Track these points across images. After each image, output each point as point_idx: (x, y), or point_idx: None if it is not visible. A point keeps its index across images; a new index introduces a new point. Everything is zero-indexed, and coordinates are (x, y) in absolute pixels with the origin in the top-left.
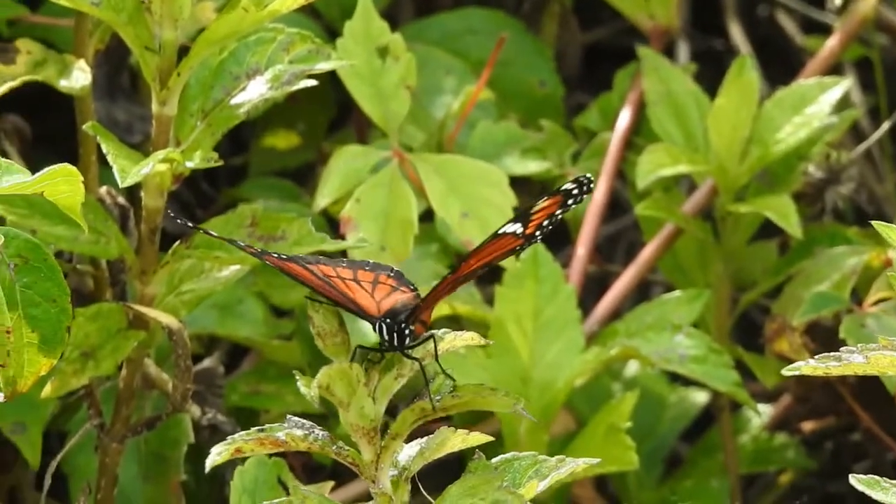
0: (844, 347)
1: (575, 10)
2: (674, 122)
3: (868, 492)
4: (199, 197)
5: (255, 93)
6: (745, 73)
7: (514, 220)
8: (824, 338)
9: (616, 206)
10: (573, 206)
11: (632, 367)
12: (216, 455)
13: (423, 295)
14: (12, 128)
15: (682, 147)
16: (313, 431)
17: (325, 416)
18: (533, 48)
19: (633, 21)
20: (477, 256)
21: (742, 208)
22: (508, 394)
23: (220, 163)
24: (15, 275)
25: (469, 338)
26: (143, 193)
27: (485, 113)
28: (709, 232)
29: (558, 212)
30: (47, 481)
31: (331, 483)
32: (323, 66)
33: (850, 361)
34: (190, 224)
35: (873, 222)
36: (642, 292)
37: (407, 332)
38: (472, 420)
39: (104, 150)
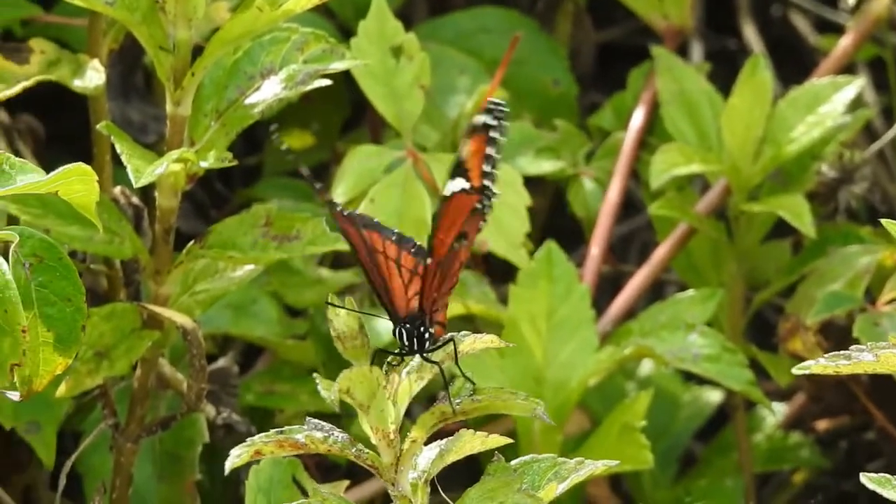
0: (854, 346)
1: (589, 10)
2: (687, 121)
3: (879, 490)
4: (213, 197)
5: (269, 92)
6: (758, 73)
7: (453, 177)
8: (838, 337)
9: (630, 206)
10: (501, 138)
11: (646, 367)
12: (235, 457)
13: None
14: (26, 127)
15: (696, 146)
16: (333, 433)
17: (338, 415)
18: (547, 47)
19: (647, 21)
20: (442, 229)
21: (755, 208)
22: (528, 397)
23: (235, 163)
24: (30, 274)
25: (488, 340)
26: (157, 193)
27: None
28: (722, 231)
29: (490, 150)
30: (62, 481)
31: (346, 482)
32: (337, 66)
33: (861, 360)
34: None
35: (885, 221)
36: (656, 292)
37: (427, 335)
38: (485, 419)
39: (118, 150)
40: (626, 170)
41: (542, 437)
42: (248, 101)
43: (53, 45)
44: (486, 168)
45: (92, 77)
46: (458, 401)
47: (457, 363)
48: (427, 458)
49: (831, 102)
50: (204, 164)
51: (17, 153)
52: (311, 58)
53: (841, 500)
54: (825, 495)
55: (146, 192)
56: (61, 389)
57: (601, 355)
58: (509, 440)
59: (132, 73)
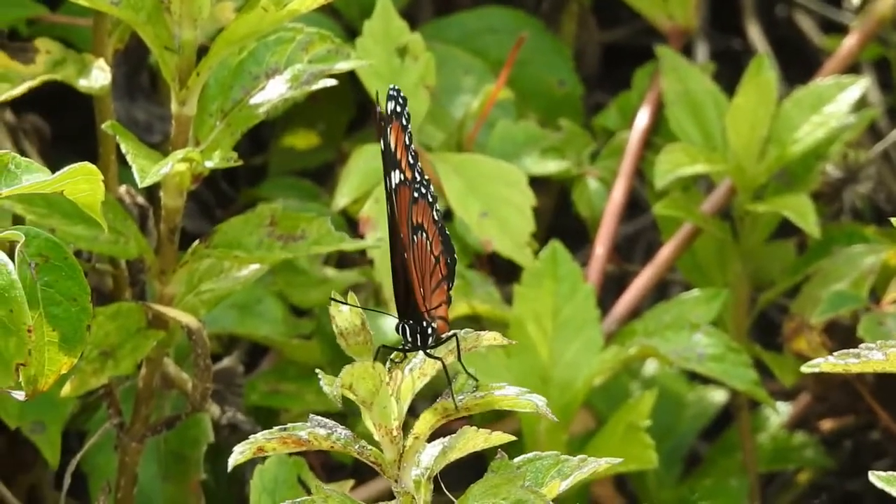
0: (863, 344)
1: (593, 10)
2: (692, 121)
3: (888, 489)
4: (218, 197)
5: (274, 92)
6: (763, 73)
7: (393, 169)
8: (843, 336)
9: (635, 206)
10: (409, 122)
11: (650, 366)
12: (238, 454)
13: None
14: (31, 127)
15: (701, 146)
16: (336, 430)
17: (343, 414)
18: (552, 47)
19: (652, 21)
20: (404, 225)
21: (760, 207)
22: (531, 393)
23: (240, 162)
24: (36, 274)
25: (492, 338)
26: (162, 193)
27: (504, 112)
28: (727, 231)
29: (407, 140)
30: (67, 480)
31: (351, 481)
32: (342, 66)
33: (870, 358)
34: None
35: (892, 219)
36: (661, 291)
37: (429, 331)
38: (491, 418)
39: (123, 150)
40: (630, 170)
41: (547, 437)
42: (253, 101)
43: (59, 44)
44: (410, 158)
45: (97, 77)
46: (460, 397)
47: (460, 360)
48: (430, 455)
49: (836, 102)
50: (209, 164)
51: (23, 153)
52: (316, 58)
53: (846, 499)
54: (830, 495)
55: (151, 192)
56: (66, 389)
57: (606, 355)
58: (512, 437)
59: (137, 72)
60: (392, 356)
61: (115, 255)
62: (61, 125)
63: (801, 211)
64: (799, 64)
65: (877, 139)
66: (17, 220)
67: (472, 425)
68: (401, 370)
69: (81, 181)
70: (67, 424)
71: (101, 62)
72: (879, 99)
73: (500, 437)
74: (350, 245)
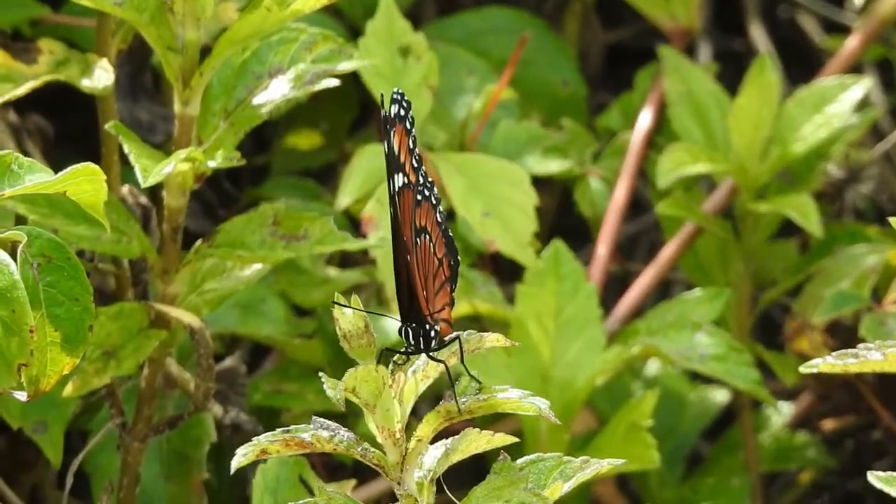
0: (862, 344)
1: (596, 11)
2: (694, 121)
3: (887, 489)
4: (221, 196)
5: (277, 92)
6: (765, 73)
7: (396, 172)
8: (844, 336)
9: (637, 206)
10: (412, 126)
11: (652, 366)
12: (241, 456)
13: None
14: (35, 127)
15: (703, 146)
16: (339, 433)
17: (344, 415)
18: (555, 47)
19: (655, 21)
20: (406, 227)
21: (762, 207)
22: (534, 396)
23: (243, 162)
24: (38, 274)
25: (495, 339)
26: (165, 193)
27: (507, 112)
28: (729, 231)
29: (411, 143)
30: (69, 480)
31: (353, 482)
32: (345, 66)
33: (868, 358)
34: None
35: (892, 220)
36: (663, 291)
37: (432, 333)
38: (491, 418)
39: (126, 150)
40: (633, 169)
41: (548, 437)
42: (256, 100)
43: (62, 45)
44: (413, 160)
45: (100, 77)
46: (463, 399)
47: (462, 362)
48: (433, 457)
49: (838, 102)
50: (212, 164)
51: (26, 153)
52: (320, 58)
53: (847, 499)
54: (831, 495)
55: (154, 192)
56: (68, 389)
57: (608, 354)
58: (515, 439)
59: (141, 73)
60: (395, 358)
61: (117, 254)
62: (64, 125)
63: (804, 210)
64: (801, 64)
65: (879, 139)
66: (20, 221)
67: (473, 426)
68: (404, 373)
69: (84, 181)
70: (70, 424)
71: (104, 62)
72: (882, 99)
73: (502, 439)
74: (353, 245)
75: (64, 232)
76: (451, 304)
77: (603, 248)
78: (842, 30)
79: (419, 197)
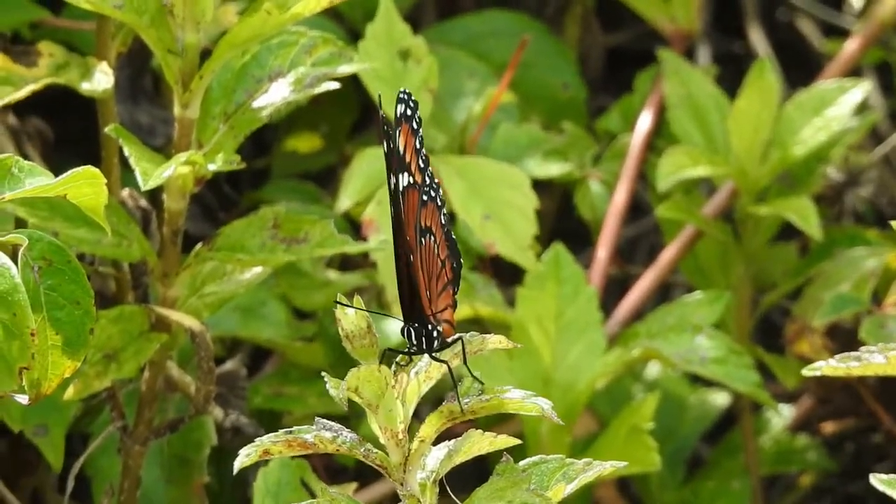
0: (865, 347)
1: (596, 14)
2: (694, 124)
3: (889, 492)
4: (221, 199)
5: (277, 95)
6: (765, 76)
7: (400, 171)
8: (844, 339)
9: (637, 209)
10: (420, 126)
11: (653, 369)
12: (244, 457)
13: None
14: (34, 130)
15: (703, 149)
16: (341, 434)
17: (346, 417)
18: (555, 50)
19: (654, 24)
20: (410, 227)
21: (762, 210)
22: (537, 397)
23: (243, 165)
24: (39, 277)
25: (497, 341)
26: (165, 196)
27: (507, 115)
28: (729, 234)
29: (417, 143)
30: (70, 483)
31: (354, 484)
32: (345, 69)
33: (871, 361)
34: None
35: (893, 222)
36: (663, 294)
37: (435, 334)
38: (492, 421)
39: (126, 153)
40: (633, 172)
41: (550, 440)
42: (256, 104)
43: (62, 48)
44: (420, 162)
45: (100, 80)
46: (466, 400)
47: (465, 363)
48: (436, 458)
49: (838, 105)
50: (212, 167)
51: (26, 156)
52: (320, 61)
53: (848, 502)
54: (832, 497)
55: (154, 195)
56: (69, 392)
57: (609, 357)
58: (517, 441)
59: (140, 76)
60: (397, 359)
61: (117, 258)
62: (64, 128)
63: (803, 213)
64: (800, 67)
65: (878, 142)
66: (20, 224)
67: (476, 428)
68: (406, 373)
69: (84, 184)
70: (70, 427)
71: (104, 65)
72: (881, 102)
73: (505, 441)
74: (353, 248)
75: (64, 235)
76: (454, 305)
77: (603, 251)
78: (841, 33)
79: (424, 197)
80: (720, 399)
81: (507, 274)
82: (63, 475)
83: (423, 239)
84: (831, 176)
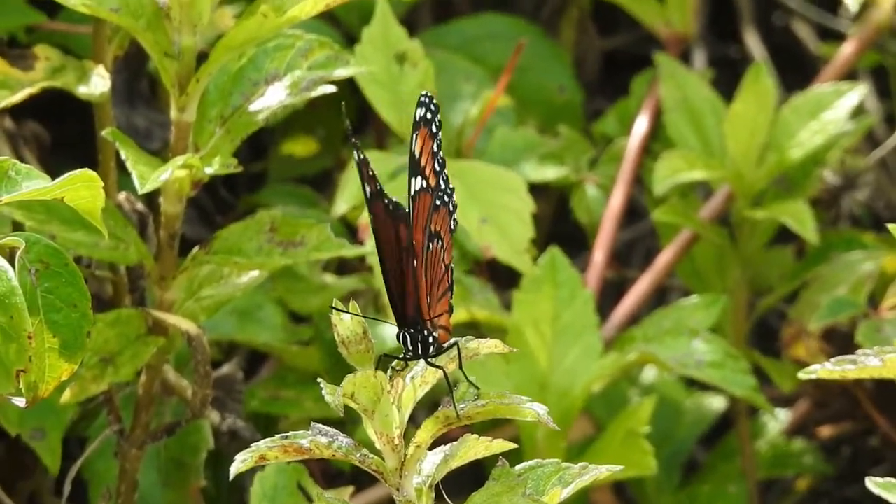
0: (861, 350)
1: (593, 17)
2: (690, 127)
3: (885, 495)
4: (217, 203)
5: (273, 99)
6: (761, 80)
7: (414, 175)
8: (841, 343)
9: (633, 212)
10: (439, 133)
11: (649, 373)
12: (240, 462)
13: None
14: (31, 134)
15: (699, 153)
16: (337, 439)
17: (342, 421)
18: (552, 54)
19: (651, 28)
20: (416, 229)
21: (759, 214)
22: (532, 402)
23: (239, 169)
24: (36, 280)
25: (493, 345)
26: (162, 199)
27: (503, 119)
28: (726, 237)
29: (434, 146)
30: (67, 487)
31: (350, 488)
32: (341, 73)
33: (867, 364)
34: None
35: (890, 225)
36: (660, 298)
37: (430, 339)
38: (489, 425)
39: (123, 157)
40: (629, 176)
41: (546, 444)
42: (252, 107)
43: (58, 51)
44: (436, 166)
45: (97, 83)
46: (462, 405)
47: (461, 368)
48: (431, 463)
49: (834, 109)
50: (209, 170)
51: (22, 160)
52: (316, 64)
53: None
54: (828, 501)
55: (151, 199)
56: (66, 395)
57: (605, 361)
58: (514, 445)
59: (137, 79)
60: (393, 364)
61: (114, 261)
62: (61, 132)
63: (800, 217)
64: (796, 71)
65: (874, 146)
66: (17, 227)
67: (471, 432)
68: (402, 378)
69: (82, 188)
70: (67, 431)
71: (100, 69)
72: (877, 106)
73: (501, 445)
74: (349, 251)
75: (61, 238)
76: (450, 311)
77: (599, 254)
78: (837, 36)
79: (437, 202)
80: (716, 403)
81: (503, 277)
82: (60, 479)
83: (430, 243)
84: (828, 179)
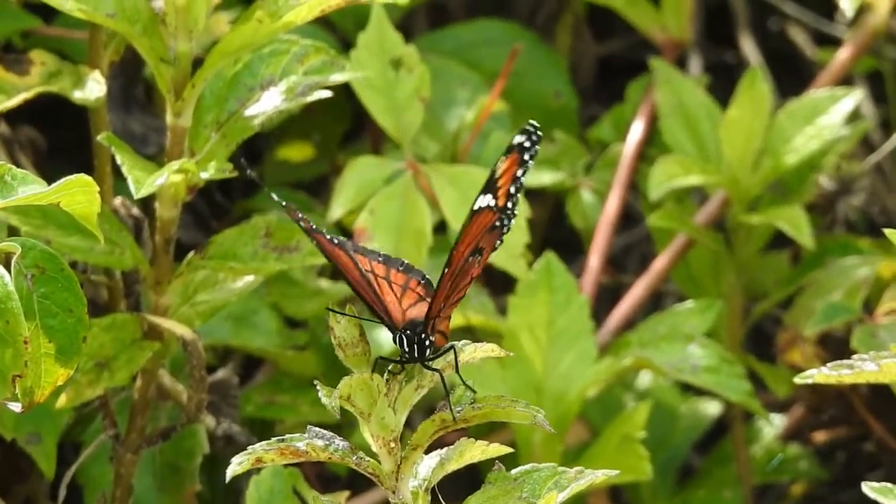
0: (857, 355)
1: (588, 23)
2: (686, 133)
3: (881, 500)
4: (213, 208)
5: (269, 104)
6: (756, 85)
7: (484, 192)
8: (836, 348)
9: (629, 218)
10: (531, 162)
11: (644, 378)
12: (236, 465)
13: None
14: (27, 139)
15: (695, 158)
16: (333, 442)
17: (339, 425)
18: (547, 59)
19: (646, 33)
20: (463, 242)
21: (754, 219)
22: (528, 405)
23: (235, 174)
24: (32, 285)
25: (489, 349)
26: (157, 204)
27: (499, 124)
28: (721, 243)
29: (519, 172)
30: (62, 492)
31: (346, 493)
32: (337, 78)
33: (863, 369)
34: None
35: (886, 230)
36: (655, 303)
37: (427, 343)
38: (485, 430)
39: (119, 162)
40: (625, 181)
41: (542, 448)
42: (248, 112)
43: (54, 56)
44: (512, 190)
45: (93, 89)
46: (458, 409)
47: (457, 371)
48: (428, 467)
49: (830, 114)
50: (204, 175)
51: (18, 164)
52: (312, 70)
53: None
54: None
55: (146, 204)
56: (62, 400)
57: (600, 366)
58: (510, 449)
59: (133, 84)
60: (390, 368)
61: (110, 266)
62: (56, 137)
63: (795, 222)
64: (792, 76)
65: (870, 151)
66: (13, 232)
67: (468, 436)
68: (398, 382)
69: (77, 193)
70: (63, 436)
71: (96, 74)
72: (872, 111)
73: (497, 449)
74: None
75: (57, 243)
76: (449, 317)
77: (595, 259)
78: (832, 42)
79: (497, 223)
80: (712, 408)
81: (498, 283)
82: (55, 483)
83: (471, 257)
84: (823, 185)
